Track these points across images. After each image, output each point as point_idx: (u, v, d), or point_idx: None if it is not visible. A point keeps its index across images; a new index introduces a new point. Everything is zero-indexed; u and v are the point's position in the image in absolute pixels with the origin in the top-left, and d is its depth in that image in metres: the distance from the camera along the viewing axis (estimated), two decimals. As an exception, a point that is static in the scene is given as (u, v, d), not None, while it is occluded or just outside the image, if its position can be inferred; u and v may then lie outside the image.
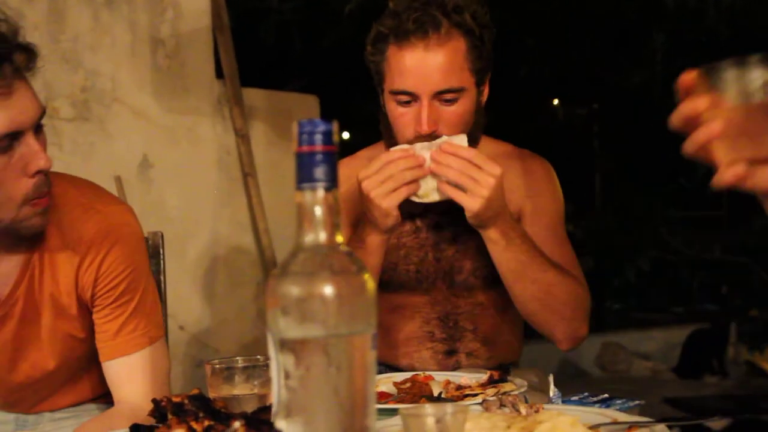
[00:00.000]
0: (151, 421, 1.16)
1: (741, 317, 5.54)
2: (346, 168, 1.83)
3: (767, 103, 0.96)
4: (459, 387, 1.41)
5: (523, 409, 1.18)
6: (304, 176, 0.89)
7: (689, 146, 1.03)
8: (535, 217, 1.86)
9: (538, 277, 1.72)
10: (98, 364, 1.61)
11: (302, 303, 0.85)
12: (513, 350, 1.94)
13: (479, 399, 1.29)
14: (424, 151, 1.66)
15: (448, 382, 1.43)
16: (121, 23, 3.19)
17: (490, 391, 1.35)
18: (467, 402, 1.28)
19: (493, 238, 1.71)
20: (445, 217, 1.83)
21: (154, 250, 1.82)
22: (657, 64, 5.75)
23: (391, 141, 1.79)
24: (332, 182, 0.89)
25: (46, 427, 1.63)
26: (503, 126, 2.57)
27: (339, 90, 5.09)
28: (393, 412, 1.19)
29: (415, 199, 1.67)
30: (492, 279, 1.80)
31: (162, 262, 1.83)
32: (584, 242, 5.37)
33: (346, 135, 6.24)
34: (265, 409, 1.12)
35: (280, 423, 0.85)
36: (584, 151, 7.27)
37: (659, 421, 1.14)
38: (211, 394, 1.27)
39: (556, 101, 7.09)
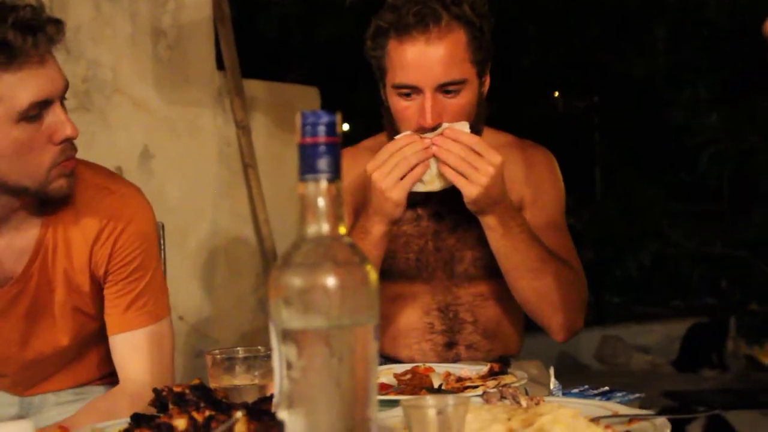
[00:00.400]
0: (152, 411, 1.16)
1: (741, 311, 5.55)
2: (350, 158, 1.84)
3: None
4: (459, 379, 1.41)
5: (523, 402, 1.18)
6: (307, 167, 0.89)
7: None
8: (535, 207, 1.87)
9: (536, 267, 1.73)
10: (105, 342, 1.65)
11: (305, 294, 0.85)
12: (513, 343, 1.94)
13: (480, 391, 1.30)
14: (428, 136, 1.67)
15: (449, 374, 1.43)
16: (122, 14, 3.19)
17: (491, 383, 1.35)
18: (468, 394, 1.29)
19: (491, 225, 1.72)
20: (446, 206, 1.83)
21: (154, 241, 1.83)
22: (659, 55, 5.74)
23: (395, 135, 1.79)
24: (335, 173, 0.89)
25: (50, 412, 1.65)
26: (504, 116, 2.56)
27: (340, 81, 5.08)
28: (393, 403, 1.19)
29: (419, 187, 1.68)
30: (493, 270, 1.81)
31: (162, 252, 1.84)
32: (584, 235, 5.36)
33: (346, 126, 6.24)
34: (266, 400, 1.12)
35: (281, 413, 0.85)
36: (585, 143, 7.27)
37: (660, 414, 1.14)
38: (212, 385, 1.28)
39: (556, 93, 7.08)
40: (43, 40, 1.46)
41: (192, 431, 1.02)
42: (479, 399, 1.23)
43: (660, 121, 6.01)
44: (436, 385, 1.40)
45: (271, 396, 1.20)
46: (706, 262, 6.35)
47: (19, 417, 1.69)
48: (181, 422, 1.02)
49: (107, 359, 1.66)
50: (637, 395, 1.37)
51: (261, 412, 0.98)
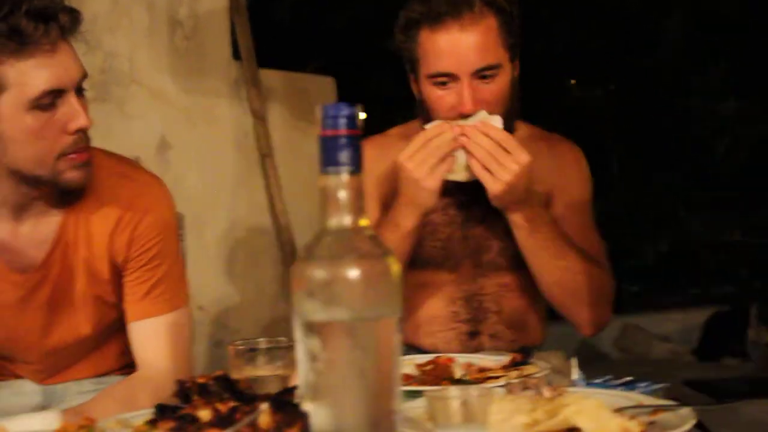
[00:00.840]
0: (175, 402, 1.17)
1: (761, 299, 5.50)
2: (377, 148, 1.85)
3: None
4: (481, 369, 1.41)
5: (546, 392, 1.17)
6: (328, 160, 0.89)
7: None
8: (562, 201, 1.87)
9: (563, 264, 1.73)
10: (125, 332, 1.66)
11: (327, 286, 0.86)
12: (537, 333, 1.94)
13: (501, 381, 1.29)
14: (461, 124, 1.68)
15: (470, 365, 1.43)
16: (139, 4, 3.19)
17: (513, 373, 1.34)
18: (490, 384, 1.28)
19: (517, 222, 1.72)
20: (475, 195, 1.83)
21: (174, 231, 1.84)
22: (675, 43, 5.70)
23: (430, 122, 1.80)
24: (356, 166, 0.89)
25: (72, 401, 1.66)
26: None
27: (355, 70, 5.07)
28: (416, 394, 1.19)
29: (447, 176, 1.68)
30: (519, 260, 1.81)
31: (182, 243, 1.85)
32: (602, 224, 5.32)
33: (362, 116, 6.23)
34: (289, 391, 1.12)
35: (307, 404, 0.85)
36: (601, 132, 7.23)
37: (684, 404, 1.13)
38: (234, 376, 1.28)
39: (573, 81, 7.04)
40: (54, 28, 1.46)
41: (216, 422, 1.01)
42: (501, 390, 1.22)
43: (677, 108, 5.97)
44: (457, 376, 1.40)
45: (294, 387, 1.21)
46: (724, 249, 6.31)
47: (43, 406, 1.70)
48: (205, 413, 1.02)
49: (127, 350, 1.67)
50: (661, 385, 1.36)
51: (285, 403, 0.97)
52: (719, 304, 5.49)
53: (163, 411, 1.10)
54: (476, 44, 1.71)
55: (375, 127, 2.00)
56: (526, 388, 1.22)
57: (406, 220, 1.71)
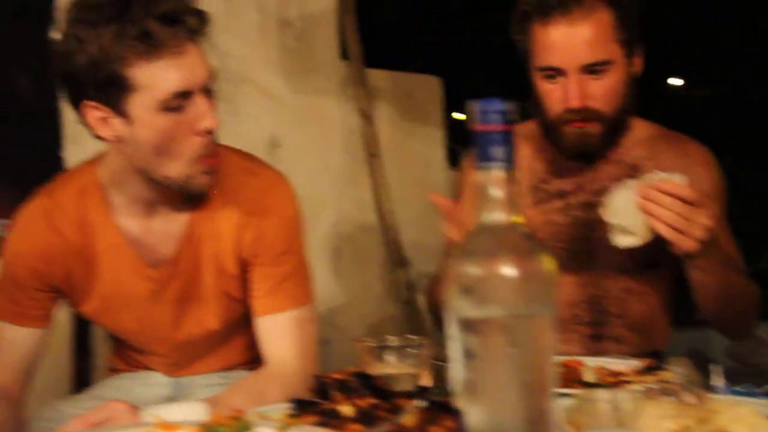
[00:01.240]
0: (310, 397, 1.17)
1: None
2: None
3: None
4: (613, 373, 1.37)
5: (690, 399, 1.13)
6: (482, 155, 0.88)
7: None
8: None
9: (725, 290, 1.69)
10: (251, 327, 1.67)
11: (482, 283, 0.85)
12: (661, 338, 1.89)
13: (636, 387, 1.26)
14: (638, 184, 1.57)
15: (601, 368, 1.40)
16: (250, 5, 3.24)
17: (649, 378, 1.31)
18: (629, 389, 1.25)
19: (698, 264, 1.64)
20: (599, 196, 1.79)
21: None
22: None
23: (542, 119, 1.78)
24: (510, 162, 0.88)
25: (199, 394, 1.69)
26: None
27: (461, 70, 5.05)
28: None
29: (623, 241, 1.60)
30: (644, 264, 1.76)
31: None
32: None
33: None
34: (427, 389, 1.12)
35: (461, 402, 0.84)
36: (709, 133, 7.03)
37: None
38: (364, 372, 1.28)
39: (680, 81, 6.87)
40: (182, 30, 1.48)
41: (358, 418, 1.02)
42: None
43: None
44: (587, 379, 1.37)
45: (424, 386, 1.20)
46: None
47: (172, 397, 1.74)
48: (348, 409, 1.02)
49: (253, 344, 1.69)
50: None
51: (437, 402, 0.97)
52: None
53: (302, 406, 1.11)
54: (584, 39, 1.69)
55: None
56: (665, 393, 1.18)
57: None
